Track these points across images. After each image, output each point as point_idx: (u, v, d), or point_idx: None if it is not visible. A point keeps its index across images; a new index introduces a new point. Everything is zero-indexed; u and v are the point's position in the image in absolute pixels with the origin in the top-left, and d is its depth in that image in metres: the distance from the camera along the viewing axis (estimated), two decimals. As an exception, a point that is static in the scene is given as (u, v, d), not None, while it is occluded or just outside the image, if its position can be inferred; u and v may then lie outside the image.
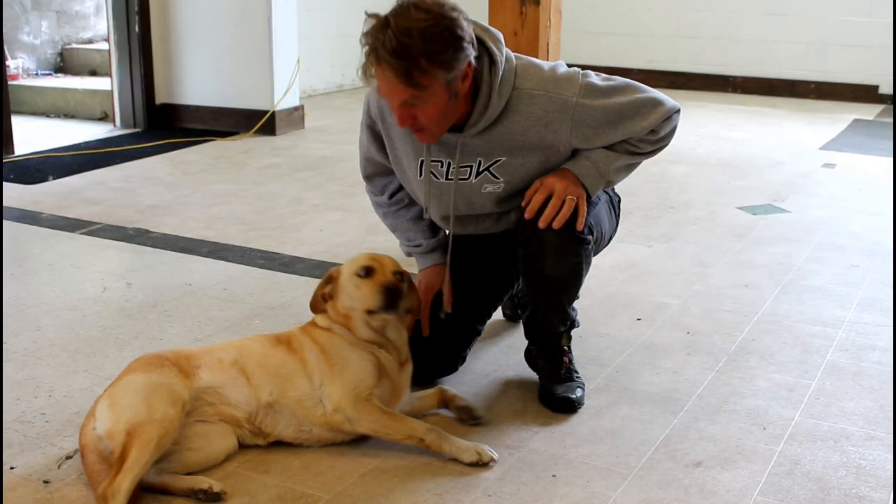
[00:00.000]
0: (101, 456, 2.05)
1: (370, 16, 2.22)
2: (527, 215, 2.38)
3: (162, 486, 2.08)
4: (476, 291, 2.65)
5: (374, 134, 2.59)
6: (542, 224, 2.36)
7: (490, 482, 2.16)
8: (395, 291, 2.27)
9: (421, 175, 2.50)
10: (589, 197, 2.42)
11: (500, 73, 2.32)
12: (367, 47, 2.20)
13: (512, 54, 2.40)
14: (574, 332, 2.65)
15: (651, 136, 2.43)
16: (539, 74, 2.39)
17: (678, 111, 2.45)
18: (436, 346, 2.58)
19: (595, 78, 2.41)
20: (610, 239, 2.71)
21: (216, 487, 2.06)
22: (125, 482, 1.94)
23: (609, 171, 2.43)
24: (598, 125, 2.37)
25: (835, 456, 2.29)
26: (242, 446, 2.25)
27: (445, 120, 2.32)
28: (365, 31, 2.21)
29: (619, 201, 2.74)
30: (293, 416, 2.25)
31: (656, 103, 2.41)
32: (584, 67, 2.48)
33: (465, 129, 2.37)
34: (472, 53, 2.24)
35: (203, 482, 2.07)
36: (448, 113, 2.30)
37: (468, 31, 2.22)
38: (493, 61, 2.32)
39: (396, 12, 2.18)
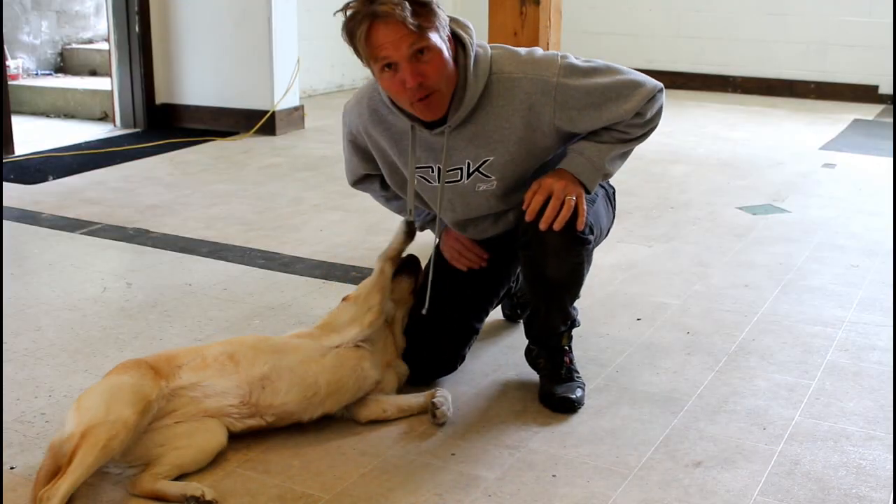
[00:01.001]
0: (56, 458, 2.00)
1: (341, 9, 2.27)
2: (527, 218, 2.36)
3: (155, 492, 2.05)
4: (471, 289, 2.64)
5: (357, 146, 2.60)
6: (542, 226, 2.33)
7: (490, 482, 2.16)
8: (415, 260, 2.61)
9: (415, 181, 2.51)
10: (587, 193, 2.41)
11: (472, 55, 2.32)
12: (353, 20, 2.23)
13: (486, 44, 2.39)
14: (574, 332, 2.65)
15: (638, 120, 2.39)
16: (516, 58, 2.38)
17: (661, 90, 2.42)
18: (434, 346, 2.58)
19: (575, 59, 2.39)
20: (608, 232, 2.70)
21: (209, 495, 2.02)
22: (64, 485, 1.91)
23: (604, 164, 2.40)
24: (581, 107, 2.34)
25: (835, 456, 2.29)
26: (243, 445, 2.25)
27: (449, 82, 2.30)
28: (346, 13, 2.25)
29: (615, 192, 2.73)
30: (293, 375, 2.26)
31: (637, 84, 2.38)
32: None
33: (448, 119, 2.35)
34: (446, 21, 2.27)
35: (196, 489, 2.04)
36: (449, 75, 2.28)
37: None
38: (464, 46, 2.33)
39: None
